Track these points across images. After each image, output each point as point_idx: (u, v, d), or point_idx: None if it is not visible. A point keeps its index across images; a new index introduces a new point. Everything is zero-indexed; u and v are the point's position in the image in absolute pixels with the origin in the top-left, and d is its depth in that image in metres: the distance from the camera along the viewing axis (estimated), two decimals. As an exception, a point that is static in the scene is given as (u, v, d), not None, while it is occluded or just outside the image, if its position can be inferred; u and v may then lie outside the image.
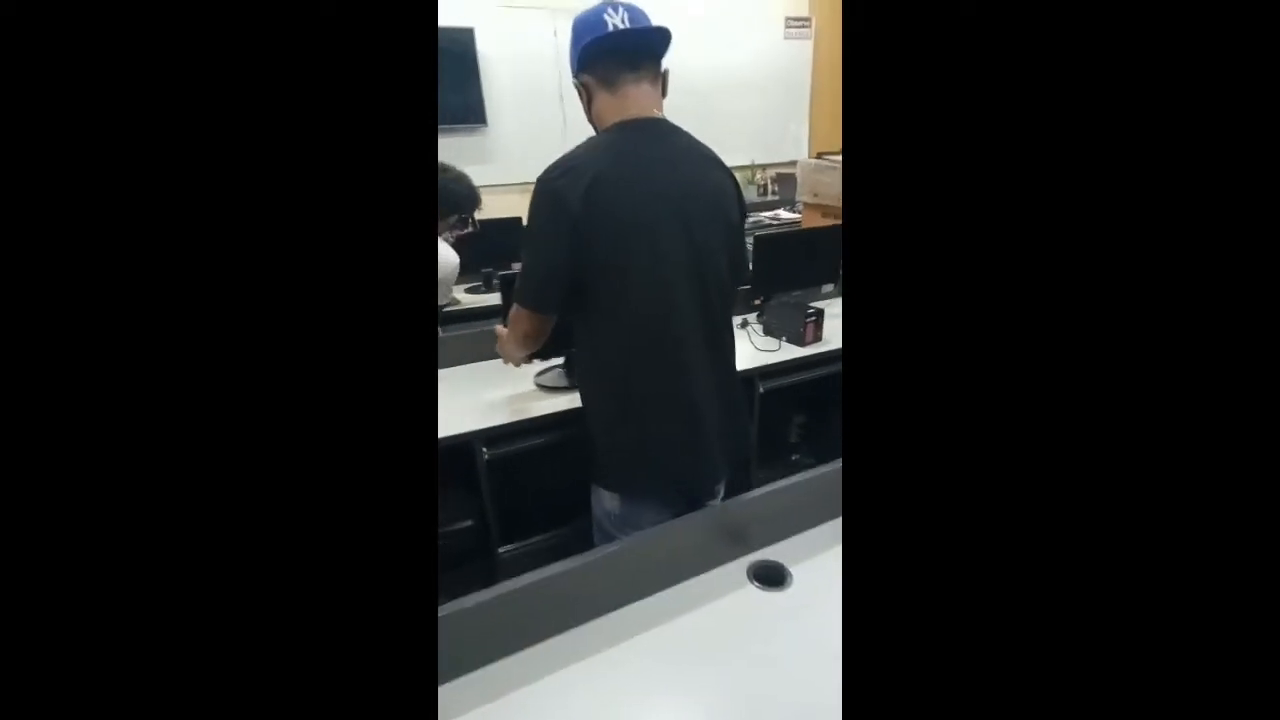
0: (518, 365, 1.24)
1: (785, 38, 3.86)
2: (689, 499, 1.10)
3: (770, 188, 4.11)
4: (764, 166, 4.09)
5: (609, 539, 1.11)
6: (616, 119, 0.97)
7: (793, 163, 3.61)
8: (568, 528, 1.53)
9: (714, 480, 1.12)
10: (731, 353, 1.12)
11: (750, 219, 2.83)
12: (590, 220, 0.91)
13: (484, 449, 1.27)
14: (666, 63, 1.00)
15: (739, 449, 1.14)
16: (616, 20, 0.94)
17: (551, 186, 0.93)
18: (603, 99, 0.98)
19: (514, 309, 1.05)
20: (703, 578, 0.79)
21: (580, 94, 1.02)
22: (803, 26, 3.97)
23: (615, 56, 0.96)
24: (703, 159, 1.03)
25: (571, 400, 1.35)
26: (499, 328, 1.22)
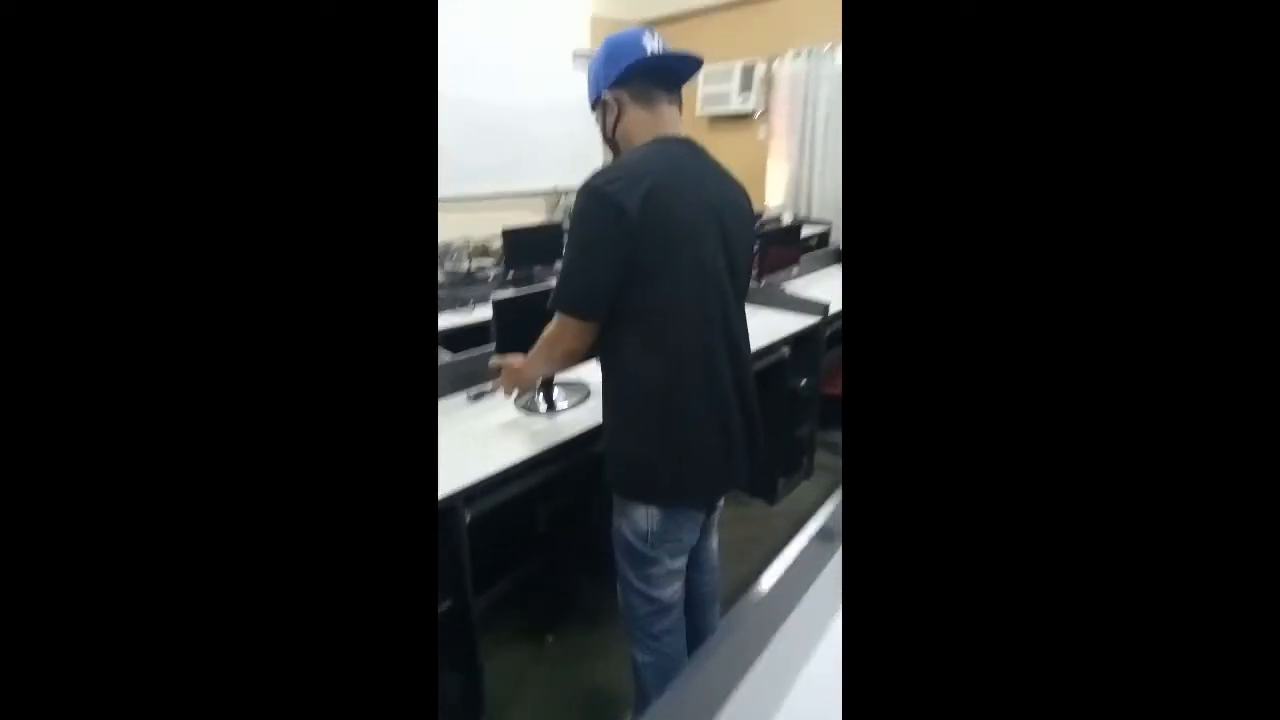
0: (523, 393, 1.26)
1: (575, 68, 4.08)
2: (713, 505, 1.18)
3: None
4: (569, 192, 4.26)
5: (643, 562, 1.13)
6: (651, 135, 1.04)
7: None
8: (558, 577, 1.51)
9: (739, 484, 1.15)
10: (750, 359, 1.17)
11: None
12: (645, 227, 0.94)
13: (466, 510, 1.21)
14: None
15: (758, 453, 1.16)
16: (654, 45, 1.03)
17: (607, 190, 0.95)
18: (637, 115, 1.05)
19: (557, 323, 1.05)
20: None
21: (609, 109, 1.07)
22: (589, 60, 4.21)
23: (654, 77, 1.04)
24: (727, 175, 1.11)
25: (554, 426, 1.35)
26: (508, 358, 1.23)
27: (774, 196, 4.03)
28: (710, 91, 4.15)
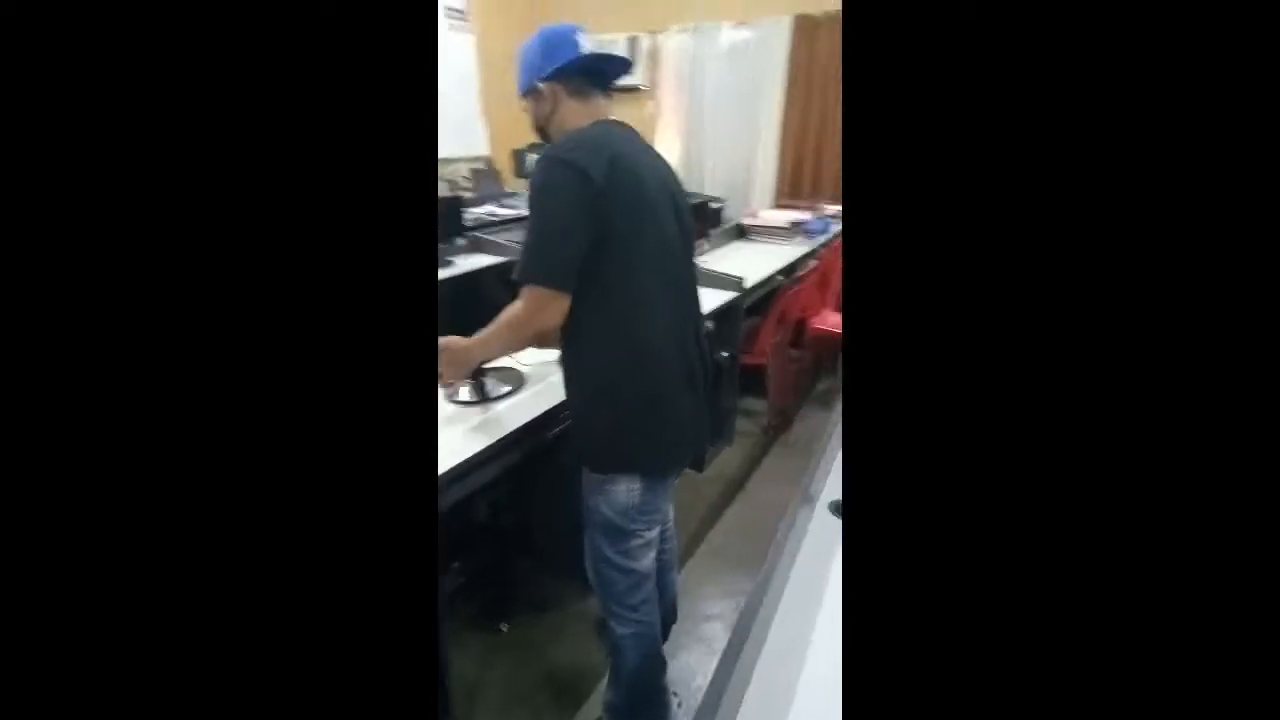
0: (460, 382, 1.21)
1: (450, 29, 3.81)
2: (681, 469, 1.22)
3: (461, 183, 4.01)
4: (451, 161, 4.02)
5: (623, 536, 1.15)
6: (587, 122, 1.06)
7: (478, 157, 3.67)
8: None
9: (708, 444, 1.23)
10: (702, 323, 1.21)
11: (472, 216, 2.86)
12: (612, 193, 0.96)
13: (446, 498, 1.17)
14: None
15: (715, 414, 1.24)
16: (586, 44, 1.08)
17: (571, 158, 0.95)
18: (572, 107, 1.08)
19: (529, 299, 1.00)
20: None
21: (542, 99, 1.09)
22: (461, 19, 3.96)
23: (590, 74, 1.08)
24: (661, 155, 1.15)
25: (494, 418, 1.28)
26: (449, 341, 1.15)
27: (666, 171, 4.10)
28: (598, 63, 4.09)
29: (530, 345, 1.12)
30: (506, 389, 1.43)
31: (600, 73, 1.10)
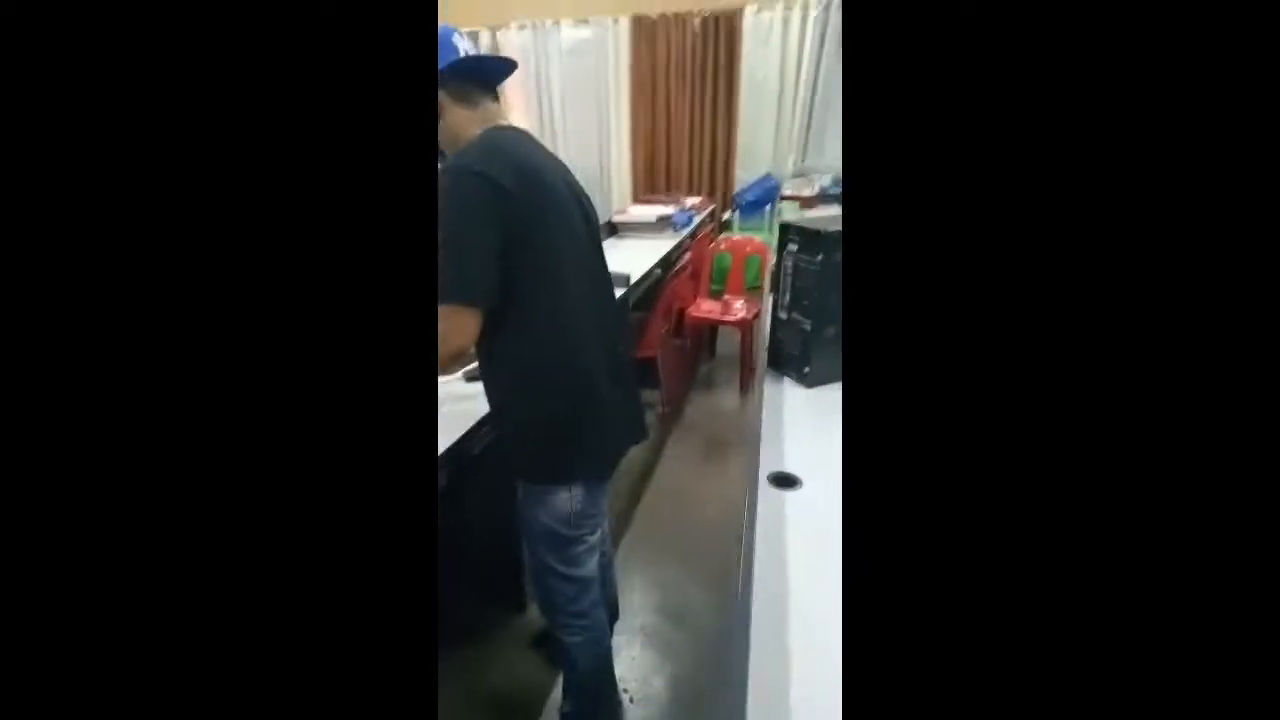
0: None
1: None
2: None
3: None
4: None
5: (566, 543, 1.14)
6: (479, 129, 1.02)
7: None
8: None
9: (637, 440, 1.22)
10: (619, 323, 1.22)
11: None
12: (522, 201, 0.94)
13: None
14: None
15: (639, 408, 1.25)
16: (465, 46, 1.02)
17: (478, 169, 0.92)
18: (461, 114, 1.03)
19: (446, 320, 0.94)
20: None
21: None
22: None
23: (473, 78, 1.03)
24: (557, 158, 1.13)
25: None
26: None
27: (522, 172, 4.02)
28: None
29: (454, 368, 1.07)
30: None
31: (483, 74, 1.06)
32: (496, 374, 1.08)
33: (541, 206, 0.98)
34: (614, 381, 1.12)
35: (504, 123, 1.06)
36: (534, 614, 1.74)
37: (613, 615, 1.49)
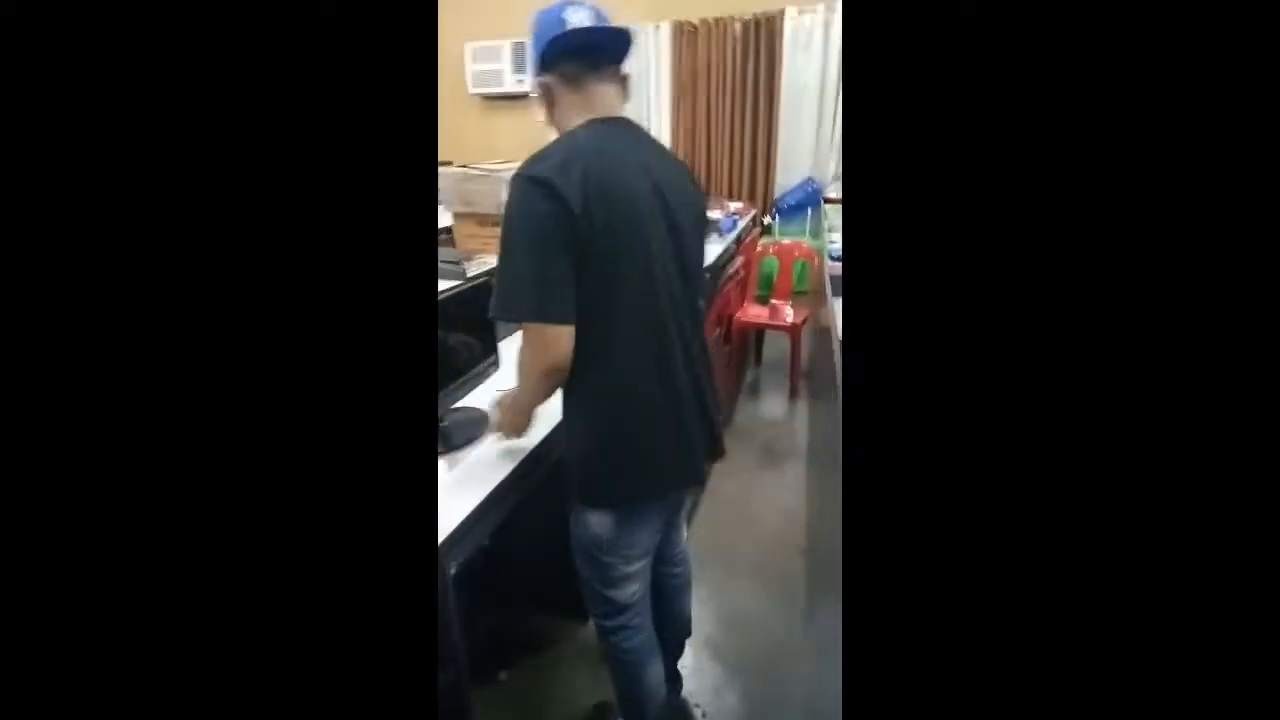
0: (525, 430, 1.11)
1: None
2: (676, 505, 1.17)
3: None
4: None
5: (600, 566, 1.10)
6: (584, 118, 0.94)
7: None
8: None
9: (695, 482, 1.15)
10: (705, 345, 1.12)
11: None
12: (588, 213, 0.87)
13: (451, 562, 1.04)
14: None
15: (716, 448, 1.15)
16: (578, 18, 0.93)
17: (543, 179, 0.85)
18: (568, 99, 0.96)
19: (533, 340, 0.91)
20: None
21: (543, 97, 0.98)
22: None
23: (579, 56, 0.94)
24: (671, 158, 1.05)
25: (471, 467, 1.17)
26: (506, 394, 1.08)
27: (561, 179, 4.02)
28: (480, 70, 3.94)
29: (557, 384, 1.00)
30: (471, 435, 1.33)
31: (596, 52, 0.94)
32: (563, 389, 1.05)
33: (607, 225, 0.89)
34: (671, 414, 1.03)
35: (605, 114, 0.95)
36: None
37: (684, 633, 1.44)
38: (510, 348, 1.79)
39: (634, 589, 1.17)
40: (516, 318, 0.91)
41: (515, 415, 1.11)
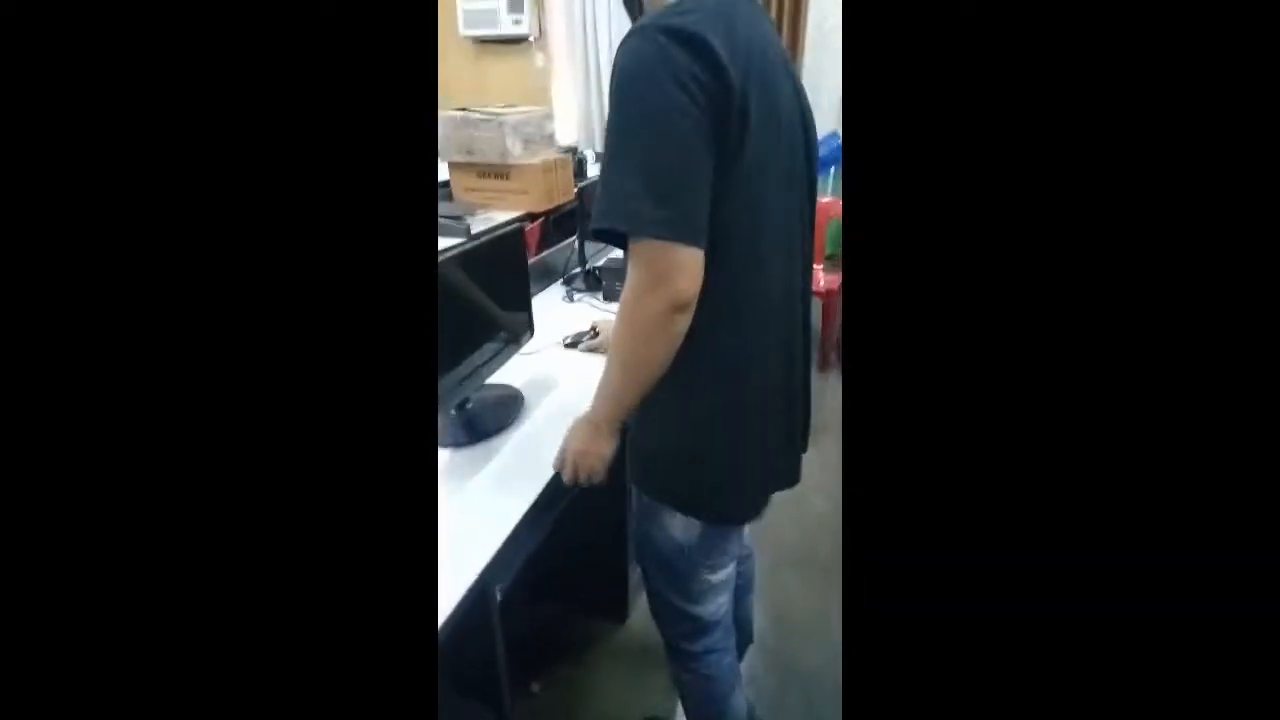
0: (648, 381, 0.72)
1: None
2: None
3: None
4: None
5: (679, 576, 0.87)
6: None
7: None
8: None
9: (792, 482, 0.91)
10: (809, 308, 0.86)
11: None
12: (745, 96, 0.61)
13: (499, 588, 0.85)
14: None
15: (806, 433, 0.92)
16: None
17: (692, 33, 0.58)
18: None
19: (650, 260, 0.63)
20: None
21: None
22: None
23: None
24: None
25: (504, 464, 0.92)
26: (577, 428, 0.79)
27: (565, 132, 3.74)
28: (473, 9, 3.59)
29: (677, 338, 0.68)
30: (504, 419, 1.10)
31: None
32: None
33: (760, 114, 0.63)
34: (786, 402, 0.82)
35: None
36: (636, 625, 1.53)
37: (748, 640, 1.26)
38: (548, 308, 1.58)
39: (720, 602, 0.95)
40: (635, 229, 0.62)
41: (612, 410, 0.77)
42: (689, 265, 0.64)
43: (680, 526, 0.83)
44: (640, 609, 1.57)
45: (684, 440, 0.77)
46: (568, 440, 0.83)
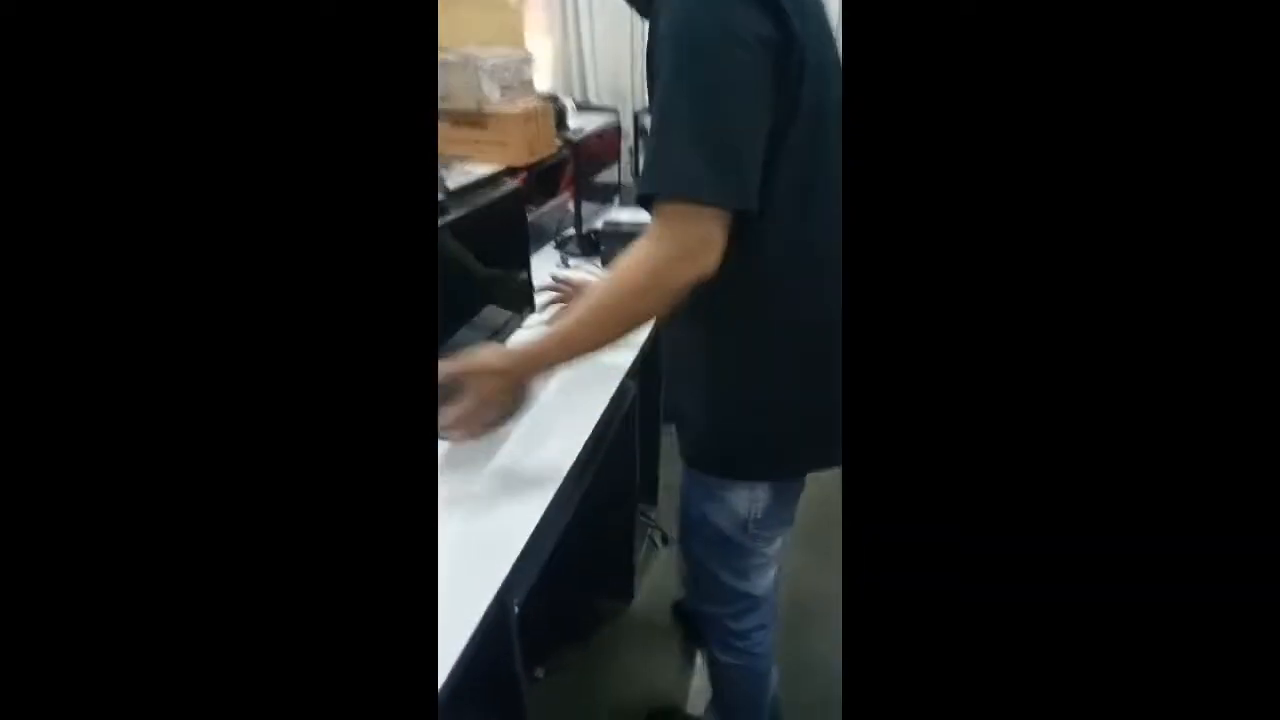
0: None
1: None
2: None
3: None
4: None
5: (739, 553, 0.86)
6: None
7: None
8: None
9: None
10: None
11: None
12: (803, 52, 0.59)
13: (516, 602, 0.76)
14: None
15: None
16: None
17: None
18: None
19: (685, 217, 0.59)
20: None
21: None
22: None
23: None
24: None
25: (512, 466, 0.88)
26: (477, 356, 0.71)
27: (541, 79, 3.50)
28: (439, -61, 3.28)
29: (659, 312, 0.67)
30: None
31: None
32: (693, 325, 0.76)
33: (817, 70, 0.62)
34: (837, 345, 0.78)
35: None
36: (642, 604, 1.49)
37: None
38: (542, 276, 1.45)
39: (770, 575, 0.95)
40: (674, 190, 0.60)
41: (555, 359, 0.70)
42: (719, 241, 0.61)
43: (745, 500, 0.82)
44: (647, 589, 1.53)
45: (759, 395, 0.76)
46: (468, 392, 0.71)
